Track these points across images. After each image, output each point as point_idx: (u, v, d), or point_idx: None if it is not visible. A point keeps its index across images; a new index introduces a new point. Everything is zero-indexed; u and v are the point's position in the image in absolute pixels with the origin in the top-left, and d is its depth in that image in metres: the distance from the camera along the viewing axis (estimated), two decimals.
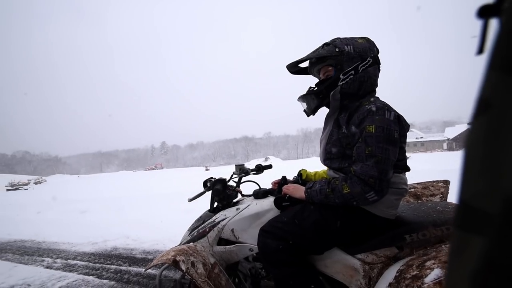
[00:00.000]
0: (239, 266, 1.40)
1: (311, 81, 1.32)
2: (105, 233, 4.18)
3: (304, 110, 1.24)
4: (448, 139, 59.75)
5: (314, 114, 1.23)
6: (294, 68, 1.30)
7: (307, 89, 1.23)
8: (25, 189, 26.91)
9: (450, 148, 56.15)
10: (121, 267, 2.88)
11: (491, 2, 0.28)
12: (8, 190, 27.32)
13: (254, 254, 1.29)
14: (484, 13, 0.28)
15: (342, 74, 1.10)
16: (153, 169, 64.78)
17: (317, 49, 1.18)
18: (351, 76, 1.10)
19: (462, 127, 59.31)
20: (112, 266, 2.95)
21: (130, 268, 2.83)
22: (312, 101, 1.18)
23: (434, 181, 1.55)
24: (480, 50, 0.29)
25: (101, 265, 3.02)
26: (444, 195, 1.47)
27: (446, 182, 1.52)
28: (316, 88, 1.20)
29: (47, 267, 3.08)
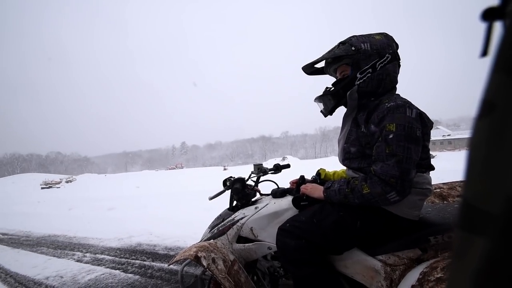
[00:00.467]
0: (257, 264, 1.42)
1: (329, 80, 1.31)
2: (130, 229, 4.38)
3: (321, 111, 1.22)
4: None
5: (331, 114, 1.22)
6: (310, 69, 1.29)
7: (323, 90, 1.22)
8: (58, 188, 28.83)
9: None
10: (145, 262, 3.01)
11: (495, 5, 0.28)
12: (42, 188, 29.38)
13: (273, 253, 1.30)
14: (488, 16, 0.28)
15: (359, 73, 1.08)
16: (174, 168, 66.73)
17: (332, 49, 1.16)
18: (369, 75, 1.07)
19: None
20: (137, 261, 3.09)
21: (153, 263, 2.95)
22: (328, 101, 1.17)
23: (461, 181, 1.47)
24: (484, 53, 0.29)
25: (126, 260, 3.17)
26: None
27: None
28: (332, 88, 1.18)
29: (77, 261, 3.29)
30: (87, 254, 3.51)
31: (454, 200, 1.40)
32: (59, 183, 35.52)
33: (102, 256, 3.40)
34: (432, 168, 1.08)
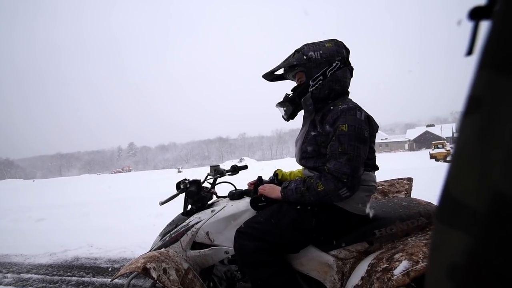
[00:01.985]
0: (214, 270, 1.37)
1: (289, 83, 1.34)
2: (65, 242, 3.84)
3: (283, 116, 1.27)
4: (409, 140, 64.76)
5: (293, 119, 1.27)
6: (270, 76, 1.33)
7: (283, 96, 1.26)
8: None
9: (411, 148, 60.97)
10: (83, 279, 2.67)
11: (482, 5, 0.28)
12: None
13: (230, 257, 1.26)
14: (475, 15, 0.29)
15: (311, 81, 1.14)
16: (120, 172, 61.25)
17: (288, 57, 1.22)
18: (320, 82, 1.14)
19: (422, 129, 64.82)
20: (73, 278, 2.72)
21: (94, 279, 2.63)
22: (288, 107, 1.22)
23: (399, 179, 1.65)
24: (470, 51, 0.30)
25: (60, 277, 2.76)
26: (408, 191, 1.57)
27: (410, 180, 1.63)
28: (291, 94, 1.24)
29: None
30: (8, 275, 2.95)
31: (394, 196, 1.56)
32: None
33: (29, 275, 2.89)
34: (377, 168, 1.18)
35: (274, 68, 1.25)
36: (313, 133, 1.14)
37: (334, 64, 1.13)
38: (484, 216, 0.24)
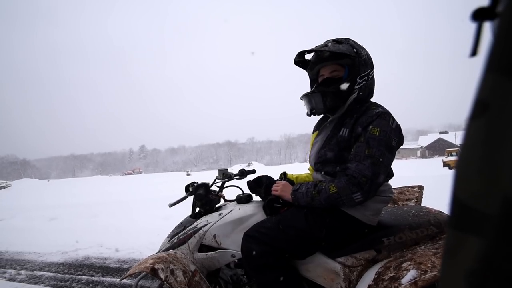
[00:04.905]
0: (220, 273, 1.37)
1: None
2: (76, 241, 3.94)
3: (311, 109, 1.16)
4: (421, 147, 63.18)
5: (321, 114, 1.19)
6: (299, 57, 1.22)
7: (314, 88, 1.20)
8: None
9: (423, 156, 59.41)
10: (93, 278, 2.72)
11: (485, 6, 0.28)
12: None
13: (236, 261, 1.27)
14: (478, 16, 0.29)
15: (359, 78, 1.07)
16: (131, 173, 62.37)
17: (327, 45, 1.11)
18: (364, 82, 1.09)
19: (435, 136, 63.21)
20: (84, 276, 2.78)
21: (104, 279, 2.68)
22: (331, 99, 1.10)
23: (409, 186, 1.62)
24: (474, 53, 0.30)
25: (71, 276, 2.83)
26: (418, 199, 1.54)
27: (420, 188, 1.59)
28: (329, 86, 1.12)
29: (9, 279, 2.83)
30: (22, 272, 3.04)
31: (403, 204, 1.53)
32: None
33: (41, 272, 2.98)
34: (392, 175, 1.15)
35: (317, 47, 1.11)
36: (336, 138, 1.09)
37: (373, 68, 1.11)
38: (494, 220, 0.24)
